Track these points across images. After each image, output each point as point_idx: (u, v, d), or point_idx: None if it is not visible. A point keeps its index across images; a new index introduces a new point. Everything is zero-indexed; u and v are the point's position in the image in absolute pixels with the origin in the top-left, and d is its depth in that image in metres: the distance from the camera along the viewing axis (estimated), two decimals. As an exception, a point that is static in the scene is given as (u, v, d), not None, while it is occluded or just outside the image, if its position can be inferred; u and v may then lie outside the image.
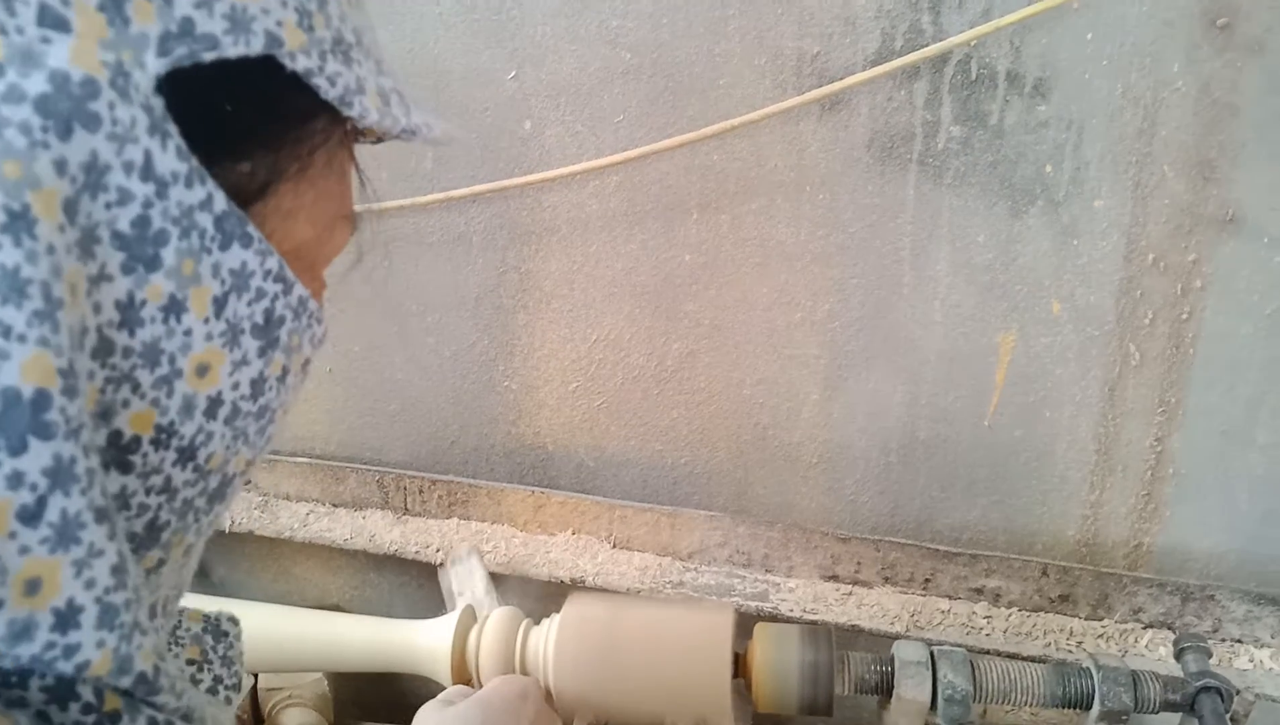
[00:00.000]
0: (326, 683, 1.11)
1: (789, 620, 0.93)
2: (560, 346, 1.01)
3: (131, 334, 0.28)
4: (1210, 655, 0.76)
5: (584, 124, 0.91)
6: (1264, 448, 0.87)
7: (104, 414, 0.28)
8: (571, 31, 0.88)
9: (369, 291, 1.04)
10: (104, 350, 0.27)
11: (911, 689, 0.72)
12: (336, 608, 1.17)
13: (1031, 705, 0.74)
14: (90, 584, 0.26)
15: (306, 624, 0.84)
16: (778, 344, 0.95)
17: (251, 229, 0.31)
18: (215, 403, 0.31)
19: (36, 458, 0.25)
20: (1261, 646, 0.89)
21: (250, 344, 0.31)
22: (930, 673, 0.73)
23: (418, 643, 0.76)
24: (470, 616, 0.76)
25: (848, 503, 1.00)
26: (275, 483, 1.12)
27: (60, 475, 0.25)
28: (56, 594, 0.25)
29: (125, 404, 0.28)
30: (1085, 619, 0.92)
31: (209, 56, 0.28)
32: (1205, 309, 0.84)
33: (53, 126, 0.25)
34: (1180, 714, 0.74)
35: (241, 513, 1.10)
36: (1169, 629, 0.91)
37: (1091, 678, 0.73)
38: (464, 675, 0.73)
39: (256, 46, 0.29)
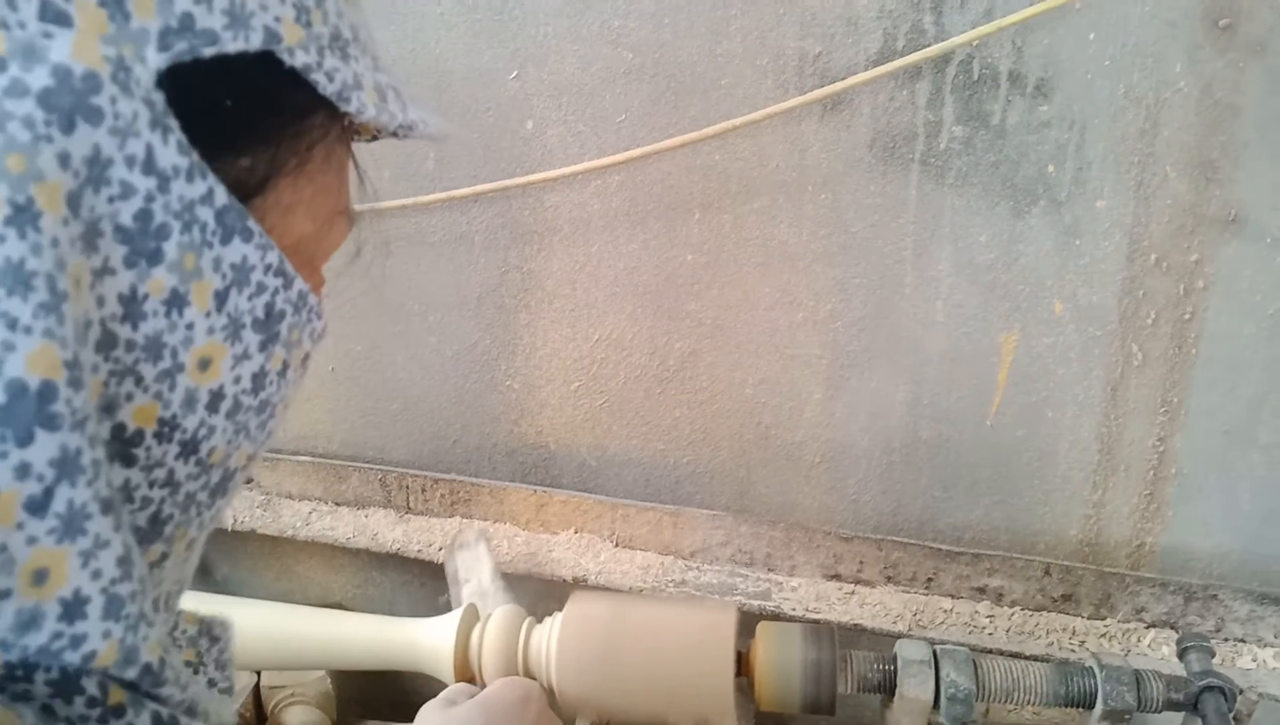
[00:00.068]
0: (329, 681, 1.11)
1: (791, 619, 0.93)
2: (562, 346, 1.01)
3: (134, 328, 0.28)
4: (1213, 655, 0.76)
5: (586, 124, 0.91)
6: (1266, 448, 0.87)
7: (107, 407, 0.28)
8: (573, 31, 0.88)
9: (372, 290, 1.04)
10: (107, 343, 0.28)
11: (914, 688, 0.72)
12: (339, 606, 1.17)
13: (1034, 704, 0.74)
14: (96, 575, 0.26)
15: (309, 622, 0.84)
16: (780, 343, 0.95)
17: (252, 223, 0.31)
18: (217, 396, 0.31)
19: (43, 449, 0.25)
20: (1264, 646, 0.88)
21: (251, 338, 0.32)
22: (933, 672, 0.73)
23: (420, 641, 0.76)
24: (473, 615, 0.76)
25: (850, 502, 1.00)
26: (278, 481, 1.12)
27: (66, 466, 0.25)
28: (63, 584, 0.26)
29: (128, 397, 0.29)
30: (1088, 618, 0.92)
31: (209, 52, 0.28)
32: (1208, 309, 0.84)
33: (56, 120, 0.25)
34: (1183, 713, 0.74)
35: (244, 511, 1.10)
36: (1172, 628, 0.90)
37: (1094, 677, 0.73)
38: (466, 674, 0.73)
39: (255, 42, 0.29)
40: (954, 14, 0.80)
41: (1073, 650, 0.89)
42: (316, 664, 0.98)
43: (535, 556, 1.01)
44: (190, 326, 0.29)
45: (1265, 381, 0.85)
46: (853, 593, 0.96)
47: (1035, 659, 0.86)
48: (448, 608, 0.84)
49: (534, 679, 0.70)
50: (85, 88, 0.26)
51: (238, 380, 0.32)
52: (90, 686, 0.28)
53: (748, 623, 0.73)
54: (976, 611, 0.93)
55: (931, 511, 0.98)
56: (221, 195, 0.29)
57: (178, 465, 0.31)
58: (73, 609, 0.26)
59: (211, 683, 0.43)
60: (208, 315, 0.30)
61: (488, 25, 0.90)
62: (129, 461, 0.29)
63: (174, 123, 0.28)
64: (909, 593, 0.95)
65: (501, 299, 1.01)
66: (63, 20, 0.25)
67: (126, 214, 0.27)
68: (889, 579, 0.96)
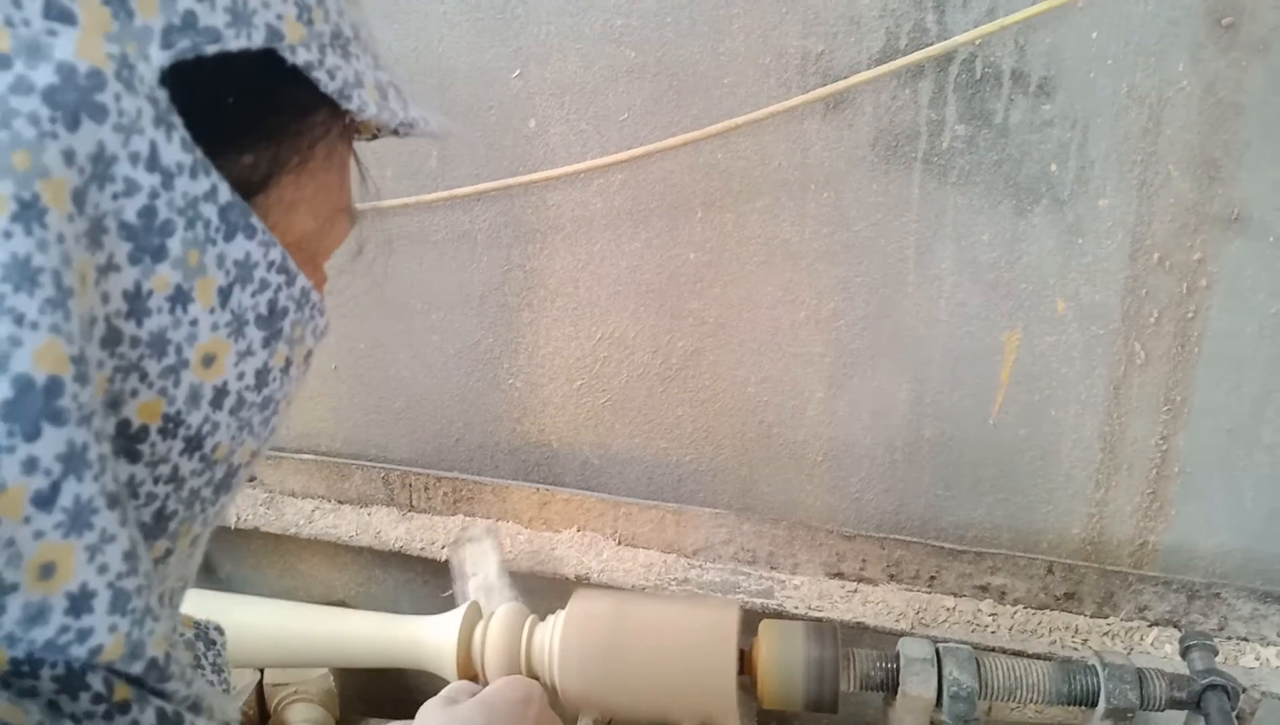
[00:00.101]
0: (332, 678, 1.11)
1: (794, 617, 0.93)
2: (565, 344, 1.01)
3: (139, 324, 0.28)
4: (1216, 653, 0.76)
5: (588, 122, 0.91)
6: (1269, 446, 0.87)
7: (113, 403, 0.28)
8: (576, 30, 0.88)
9: (374, 289, 1.04)
10: (112, 340, 0.28)
11: (917, 686, 0.73)
12: (342, 604, 1.17)
13: (1037, 703, 0.74)
14: (103, 569, 0.26)
15: (312, 620, 0.85)
16: (783, 342, 0.95)
17: (255, 220, 0.31)
18: (221, 393, 0.31)
19: (50, 443, 0.25)
20: (1267, 644, 0.88)
21: (255, 335, 0.32)
22: (935, 670, 0.73)
23: (423, 639, 0.76)
24: (475, 613, 0.76)
25: (853, 500, 1.00)
26: (280, 479, 1.12)
27: (73, 461, 0.25)
28: (70, 578, 0.26)
29: (133, 393, 0.29)
30: (1090, 617, 0.92)
31: (211, 49, 0.28)
32: (1211, 308, 0.84)
33: (60, 117, 0.25)
34: (1186, 712, 0.74)
35: (247, 509, 1.10)
36: (1174, 627, 0.90)
37: (1097, 675, 0.73)
38: (469, 672, 0.73)
39: (258, 40, 0.29)
40: (957, 13, 0.80)
41: (1075, 649, 0.89)
42: (319, 662, 0.98)
43: (538, 555, 1.01)
44: (194, 323, 0.29)
45: (1268, 380, 0.85)
46: (855, 591, 0.96)
47: (1038, 657, 0.86)
48: (452, 601, 0.84)
49: (536, 677, 0.70)
50: (90, 85, 0.26)
51: (241, 376, 0.32)
52: (96, 682, 0.28)
53: (750, 621, 0.73)
54: (979, 610, 0.93)
55: (934, 510, 0.98)
56: (225, 192, 0.30)
57: (182, 461, 0.31)
58: (79, 603, 0.26)
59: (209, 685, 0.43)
60: (211, 312, 0.30)
61: (490, 24, 0.90)
62: (134, 457, 0.30)
63: (177, 120, 0.28)
64: (912, 591, 0.95)
65: (504, 297, 1.01)
66: (67, 18, 0.26)
67: (131, 210, 0.27)
68: (892, 577, 0.96)
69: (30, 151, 0.25)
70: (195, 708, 0.31)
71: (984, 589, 0.94)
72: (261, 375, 0.33)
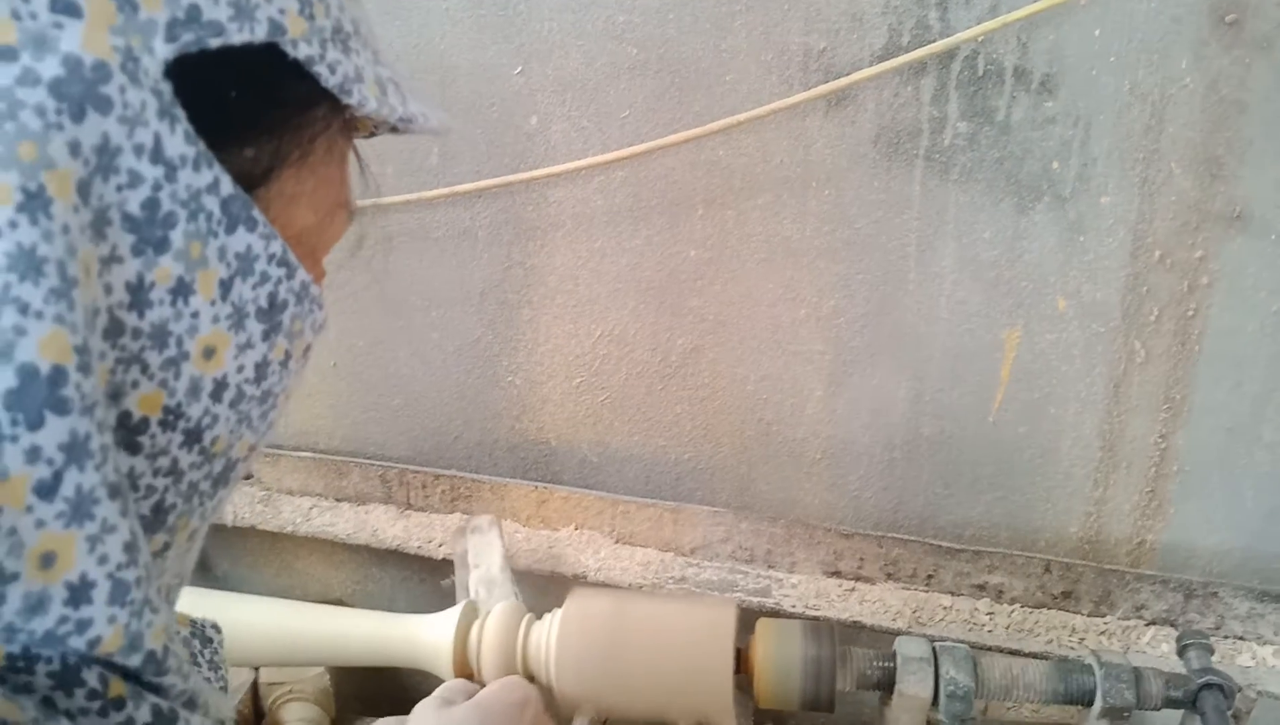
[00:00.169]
0: (328, 677, 1.11)
1: (791, 616, 0.93)
2: (564, 342, 1.01)
3: (141, 316, 0.28)
4: (1213, 652, 0.76)
5: (590, 119, 0.91)
6: (1270, 445, 0.87)
7: (114, 395, 0.28)
8: (578, 27, 0.88)
9: (374, 285, 1.04)
10: (114, 331, 0.28)
11: (914, 685, 0.72)
12: (339, 602, 1.17)
13: (1033, 702, 0.74)
14: (103, 559, 0.26)
15: (308, 618, 0.84)
16: (782, 340, 0.95)
17: (256, 213, 0.31)
18: (221, 385, 0.31)
19: (53, 433, 0.25)
20: (1264, 644, 0.88)
21: (255, 328, 0.32)
22: (932, 669, 0.73)
23: (420, 638, 0.76)
24: (472, 611, 0.76)
25: (851, 499, 1.00)
26: (278, 477, 1.12)
27: (75, 450, 0.26)
28: (70, 568, 0.26)
29: (134, 385, 0.29)
30: (1088, 615, 0.92)
31: (215, 43, 0.28)
32: (1212, 306, 0.84)
33: (66, 109, 0.26)
34: (1182, 711, 0.74)
35: (244, 507, 1.10)
36: (1171, 626, 0.90)
37: (1094, 674, 0.73)
38: (465, 670, 0.73)
39: (260, 34, 0.29)
40: (959, 10, 0.80)
41: (1072, 647, 0.89)
42: (315, 660, 0.98)
43: (536, 552, 1.01)
44: (195, 315, 0.30)
45: (1269, 378, 0.85)
46: (853, 590, 0.96)
47: (1035, 656, 0.86)
48: (451, 591, 0.84)
49: (533, 676, 0.70)
50: (95, 77, 0.26)
51: (241, 369, 0.32)
52: (91, 678, 0.28)
53: (747, 620, 0.73)
54: (976, 608, 0.93)
55: (932, 508, 0.98)
56: (227, 185, 0.30)
57: (181, 454, 0.31)
58: (79, 593, 0.26)
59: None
60: (212, 304, 0.30)
61: (492, 21, 0.90)
62: (134, 449, 0.30)
63: (181, 112, 0.28)
64: (909, 590, 0.95)
65: (504, 294, 1.01)
66: (73, 11, 0.26)
67: (134, 202, 0.27)
68: (889, 576, 0.96)
69: (36, 143, 0.25)
70: (191, 704, 0.31)
71: (981, 588, 0.94)
72: (261, 368, 0.33)
